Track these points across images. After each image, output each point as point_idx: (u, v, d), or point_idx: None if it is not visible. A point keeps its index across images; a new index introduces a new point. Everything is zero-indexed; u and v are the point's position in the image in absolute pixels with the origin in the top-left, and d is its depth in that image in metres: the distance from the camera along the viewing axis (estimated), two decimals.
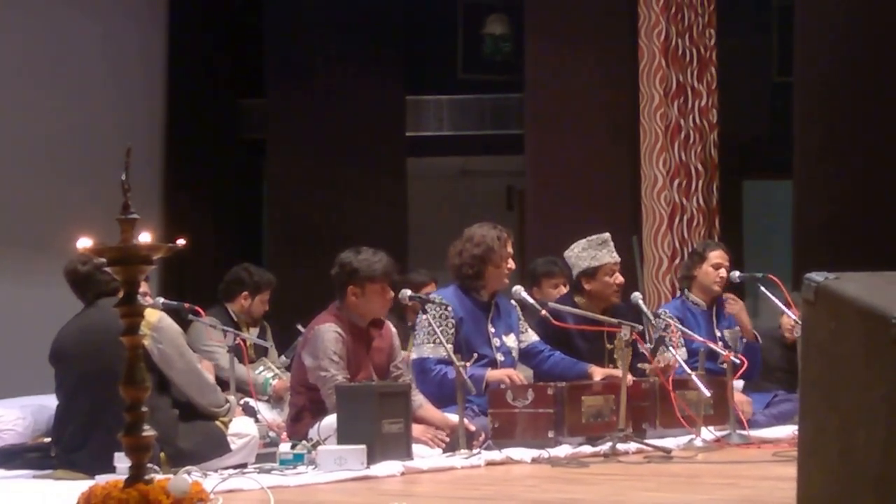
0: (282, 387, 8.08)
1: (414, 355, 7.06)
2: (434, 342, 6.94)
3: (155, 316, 5.85)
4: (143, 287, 6.60)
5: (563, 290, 8.45)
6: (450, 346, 6.77)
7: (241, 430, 6.06)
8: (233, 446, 5.96)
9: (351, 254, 6.72)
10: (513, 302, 7.27)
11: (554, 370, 7.24)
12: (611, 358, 7.40)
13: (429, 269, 9.54)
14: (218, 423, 5.98)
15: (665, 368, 7.23)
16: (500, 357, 7.14)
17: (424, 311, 6.88)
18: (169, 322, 5.94)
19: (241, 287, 8.70)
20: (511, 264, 7.17)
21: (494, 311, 7.22)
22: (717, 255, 8.18)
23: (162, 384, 5.80)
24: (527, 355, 7.36)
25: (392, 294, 6.73)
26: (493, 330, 7.18)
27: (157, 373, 5.74)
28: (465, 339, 6.99)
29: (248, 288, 8.69)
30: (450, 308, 7.02)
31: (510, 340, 7.25)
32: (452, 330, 6.98)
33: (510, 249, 7.17)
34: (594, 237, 7.63)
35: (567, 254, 7.69)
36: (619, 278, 7.61)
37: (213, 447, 5.90)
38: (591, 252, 7.56)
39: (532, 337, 7.37)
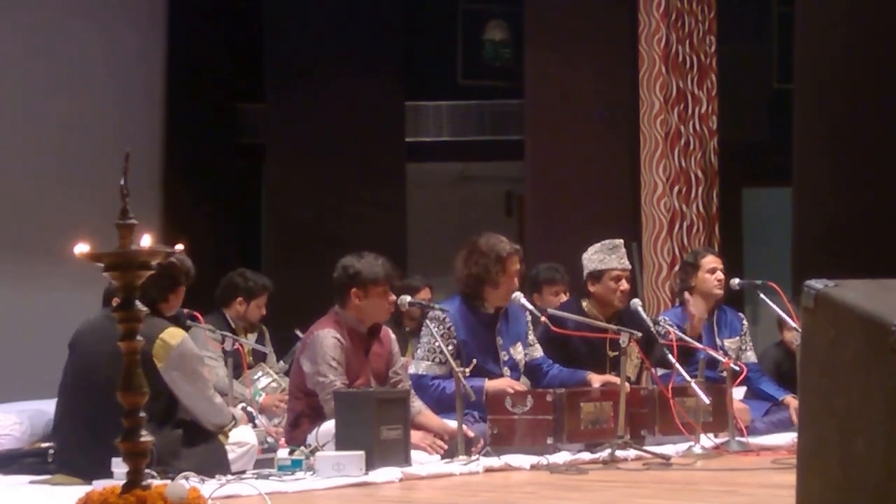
0: (269, 402, 8.06)
1: (412, 370, 7.01)
2: (433, 360, 6.91)
3: (177, 338, 5.80)
4: None
5: (564, 297, 8.43)
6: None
7: (240, 439, 6.02)
8: (232, 455, 5.94)
9: (353, 258, 6.72)
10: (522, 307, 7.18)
11: (553, 383, 7.19)
12: (613, 365, 7.36)
13: (428, 275, 9.53)
14: (220, 437, 5.95)
15: None
16: (507, 372, 7.07)
17: (424, 316, 6.84)
18: (190, 346, 5.88)
19: (235, 292, 8.68)
20: (515, 283, 7.05)
21: (502, 320, 7.15)
22: (709, 261, 8.18)
23: (170, 409, 5.77)
24: (529, 371, 7.31)
25: (394, 298, 6.72)
26: (500, 342, 7.12)
27: (167, 396, 5.72)
28: (469, 357, 6.90)
29: (242, 293, 8.67)
30: (452, 328, 6.96)
31: (517, 352, 7.16)
32: (452, 349, 6.87)
33: (515, 267, 7.02)
34: (607, 241, 7.59)
35: (583, 256, 7.66)
36: (625, 285, 7.53)
37: (213, 467, 5.85)
38: (601, 255, 7.54)
39: (537, 352, 7.31)
